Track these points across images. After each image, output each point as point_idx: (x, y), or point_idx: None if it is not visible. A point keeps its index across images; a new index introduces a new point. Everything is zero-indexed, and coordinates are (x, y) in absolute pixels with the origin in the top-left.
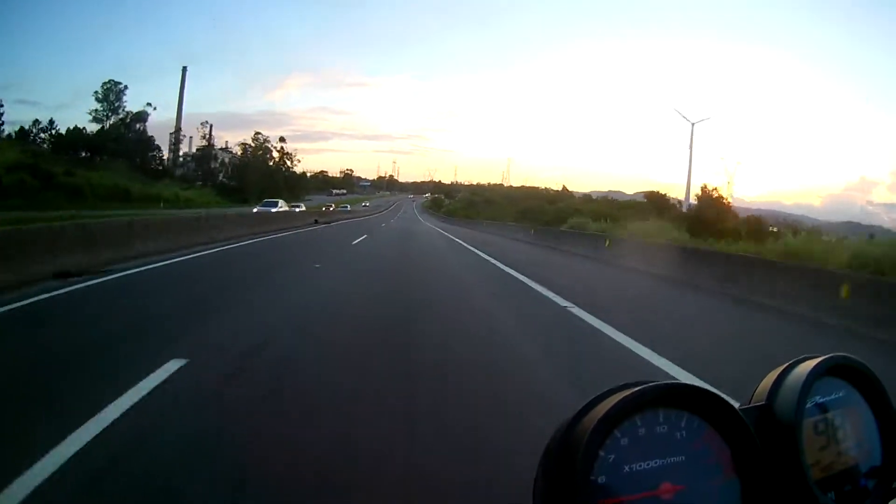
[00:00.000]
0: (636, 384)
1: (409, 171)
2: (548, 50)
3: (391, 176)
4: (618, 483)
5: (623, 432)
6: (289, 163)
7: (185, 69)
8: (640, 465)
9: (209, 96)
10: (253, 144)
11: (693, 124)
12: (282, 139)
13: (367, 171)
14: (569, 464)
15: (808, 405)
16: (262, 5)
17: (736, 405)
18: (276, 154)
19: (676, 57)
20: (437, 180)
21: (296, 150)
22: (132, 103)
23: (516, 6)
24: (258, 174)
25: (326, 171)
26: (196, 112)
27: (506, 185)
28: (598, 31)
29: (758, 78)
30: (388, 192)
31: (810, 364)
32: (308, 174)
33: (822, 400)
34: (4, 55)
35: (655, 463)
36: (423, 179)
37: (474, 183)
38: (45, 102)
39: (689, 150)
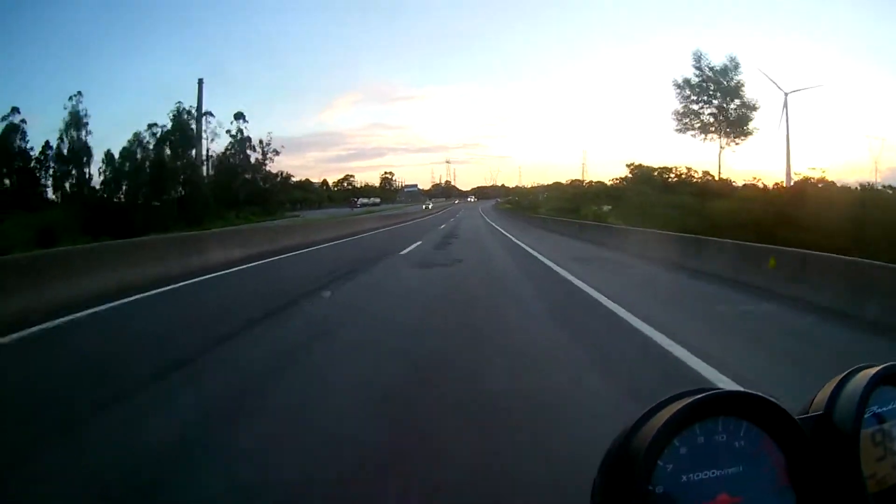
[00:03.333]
0: (696, 392)
1: (468, 180)
2: (598, 44)
3: (447, 182)
4: (676, 493)
5: (682, 441)
6: (255, 155)
7: (201, 81)
8: (698, 475)
9: (260, 121)
10: (169, 127)
11: (787, 94)
12: (238, 115)
13: (423, 181)
14: (627, 473)
15: (866, 415)
16: (306, 26)
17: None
18: (224, 142)
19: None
20: (500, 184)
21: (269, 135)
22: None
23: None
24: (172, 178)
25: (352, 176)
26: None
27: (584, 180)
28: (654, 23)
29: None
30: (443, 199)
31: (868, 373)
32: (331, 183)
33: (879, 410)
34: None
35: (713, 473)
36: (483, 184)
37: (539, 184)
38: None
39: (784, 126)
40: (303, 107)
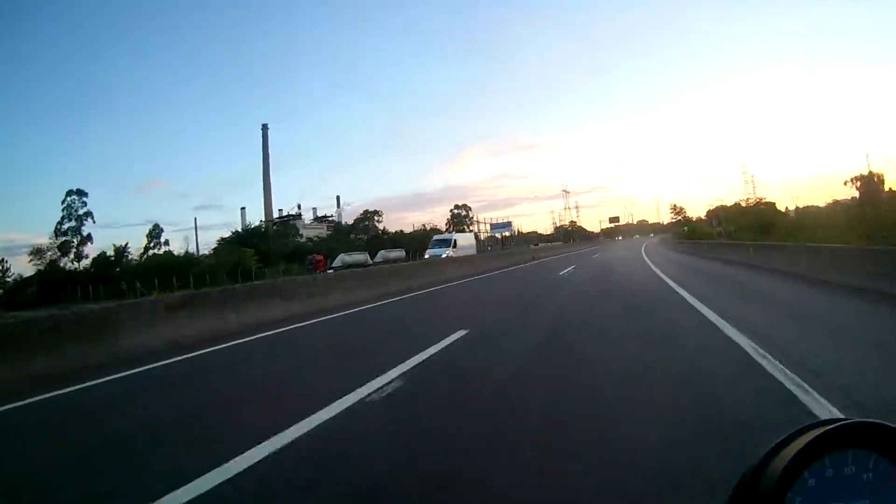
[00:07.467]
0: (826, 423)
1: (596, 222)
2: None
3: (572, 222)
4: None
5: (811, 473)
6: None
7: (265, 126)
8: None
9: (386, 182)
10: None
11: None
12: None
13: (545, 227)
14: None
15: None
16: (425, 83)
17: None
18: None
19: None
20: (635, 221)
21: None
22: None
23: (679, 31)
24: None
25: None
26: (376, 198)
27: (750, 199)
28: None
29: None
30: (559, 242)
31: None
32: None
33: None
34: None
35: None
36: (615, 224)
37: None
38: None
39: None
40: (429, 164)
